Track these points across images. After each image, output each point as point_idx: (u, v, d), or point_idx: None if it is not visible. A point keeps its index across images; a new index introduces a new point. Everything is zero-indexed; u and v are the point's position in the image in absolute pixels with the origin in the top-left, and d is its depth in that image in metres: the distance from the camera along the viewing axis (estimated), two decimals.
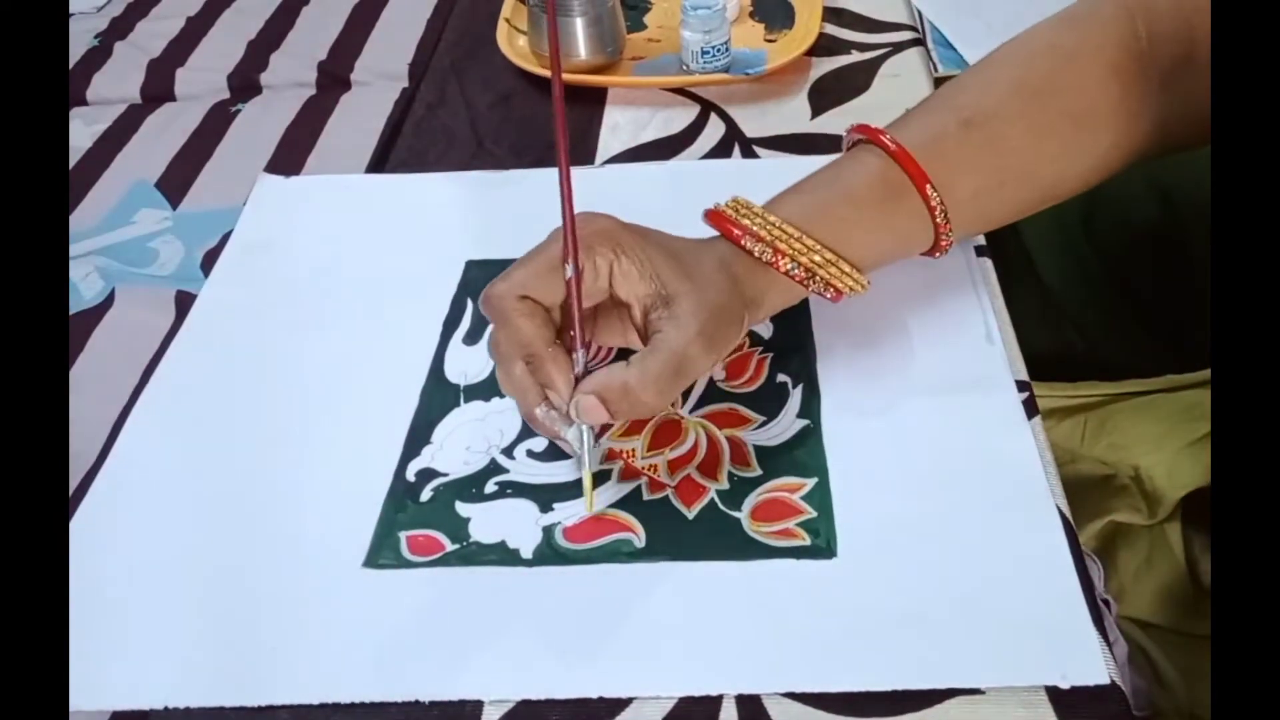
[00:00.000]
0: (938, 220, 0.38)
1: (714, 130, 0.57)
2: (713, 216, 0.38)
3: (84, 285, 0.51)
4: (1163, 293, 0.58)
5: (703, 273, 0.36)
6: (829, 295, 0.38)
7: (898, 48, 0.62)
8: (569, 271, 0.35)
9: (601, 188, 0.53)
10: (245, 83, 0.66)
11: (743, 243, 0.37)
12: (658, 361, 0.34)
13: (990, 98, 0.40)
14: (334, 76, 0.65)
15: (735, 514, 0.37)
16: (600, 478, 0.38)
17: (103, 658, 0.34)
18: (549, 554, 0.36)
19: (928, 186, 0.38)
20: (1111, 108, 0.40)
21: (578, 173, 0.54)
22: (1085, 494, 0.51)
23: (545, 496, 0.38)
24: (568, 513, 0.37)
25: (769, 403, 0.41)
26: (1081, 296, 0.59)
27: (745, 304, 0.36)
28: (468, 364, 0.44)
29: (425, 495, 0.38)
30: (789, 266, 0.37)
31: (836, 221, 0.38)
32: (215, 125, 0.62)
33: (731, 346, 0.36)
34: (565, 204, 0.35)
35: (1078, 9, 0.42)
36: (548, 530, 0.37)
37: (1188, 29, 0.38)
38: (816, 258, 0.37)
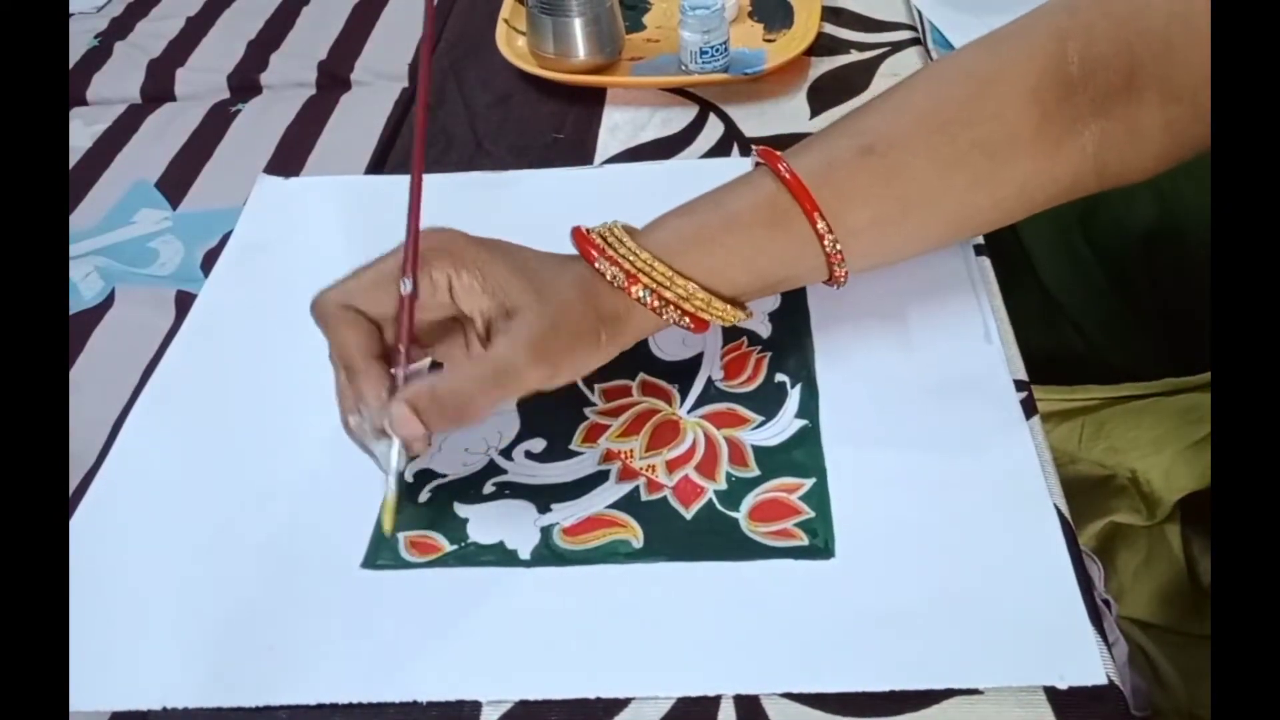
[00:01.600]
0: (828, 250, 0.37)
1: (713, 130, 0.57)
2: (576, 235, 0.37)
3: (84, 285, 0.51)
4: (1162, 295, 0.58)
5: (553, 287, 0.35)
6: (688, 325, 0.37)
7: (897, 47, 0.62)
8: (405, 287, 0.34)
9: (600, 188, 0.53)
10: (245, 83, 0.66)
11: (596, 265, 0.36)
12: (473, 369, 0.33)
13: (896, 126, 0.38)
14: (334, 76, 0.65)
15: (733, 514, 0.37)
16: (598, 479, 0.38)
17: (102, 658, 0.34)
18: (547, 555, 0.36)
19: (816, 214, 0.36)
20: (1029, 137, 0.37)
21: (578, 172, 0.55)
22: (1084, 494, 0.51)
23: (543, 497, 0.38)
24: (566, 513, 0.37)
25: (767, 402, 0.41)
26: (1080, 298, 0.59)
27: (602, 321, 0.35)
28: None
29: (423, 496, 0.38)
30: (641, 294, 0.35)
31: (712, 248, 0.36)
32: (215, 125, 0.62)
33: (578, 363, 0.35)
34: (412, 217, 0.34)
35: (1003, 31, 0.39)
36: (546, 531, 0.37)
37: (1129, 54, 0.36)
38: (677, 291, 0.36)
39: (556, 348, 0.34)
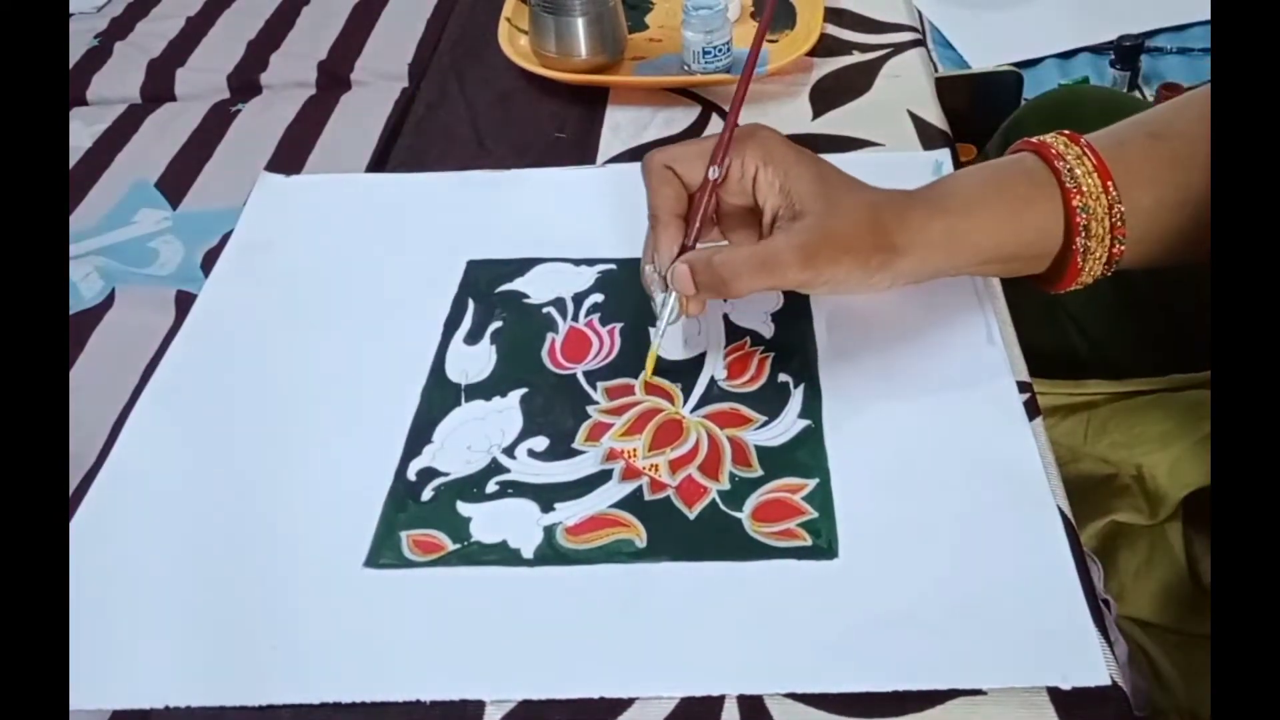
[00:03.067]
0: (1115, 221, 0.38)
1: (715, 130, 0.57)
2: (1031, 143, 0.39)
3: (84, 285, 0.51)
4: (1166, 293, 0.57)
5: (842, 204, 0.37)
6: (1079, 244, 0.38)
7: (899, 48, 0.62)
8: (713, 173, 0.38)
9: (602, 187, 0.53)
10: (245, 83, 0.66)
11: (1055, 163, 0.38)
12: (746, 251, 0.37)
13: (1181, 116, 0.40)
14: (334, 76, 0.65)
15: (736, 514, 0.37)
16: (601, 478, 0.38)
17: (103, 657, 0.34)
18: (550, 554, 0.36)
19: (1109, 183, 0.37)
20: None
21: (580, 172, 0.54)
22: (1087, 494, 0.51)
23: (546, 496, 0.38)
24: (569, 513, 0.37)
25: (770, 403, 0.41)
26: (1083, 297, 0.59)
27: (878, 249, 0.37)
28: (469, 363, 0.44)
29: (426, 495, 0.38)
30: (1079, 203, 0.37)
31: (972, 208, 0.38)
32: (215, 125, 0.62)
33: (840, 277, 0.37)
34: (731, 113, 0.39)
35: None
36: (549, 530, 0.37)
37: None
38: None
39: (823, 257, 0.36)
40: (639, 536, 0.36)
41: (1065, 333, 0.60)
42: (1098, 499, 0.51)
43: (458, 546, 0.36)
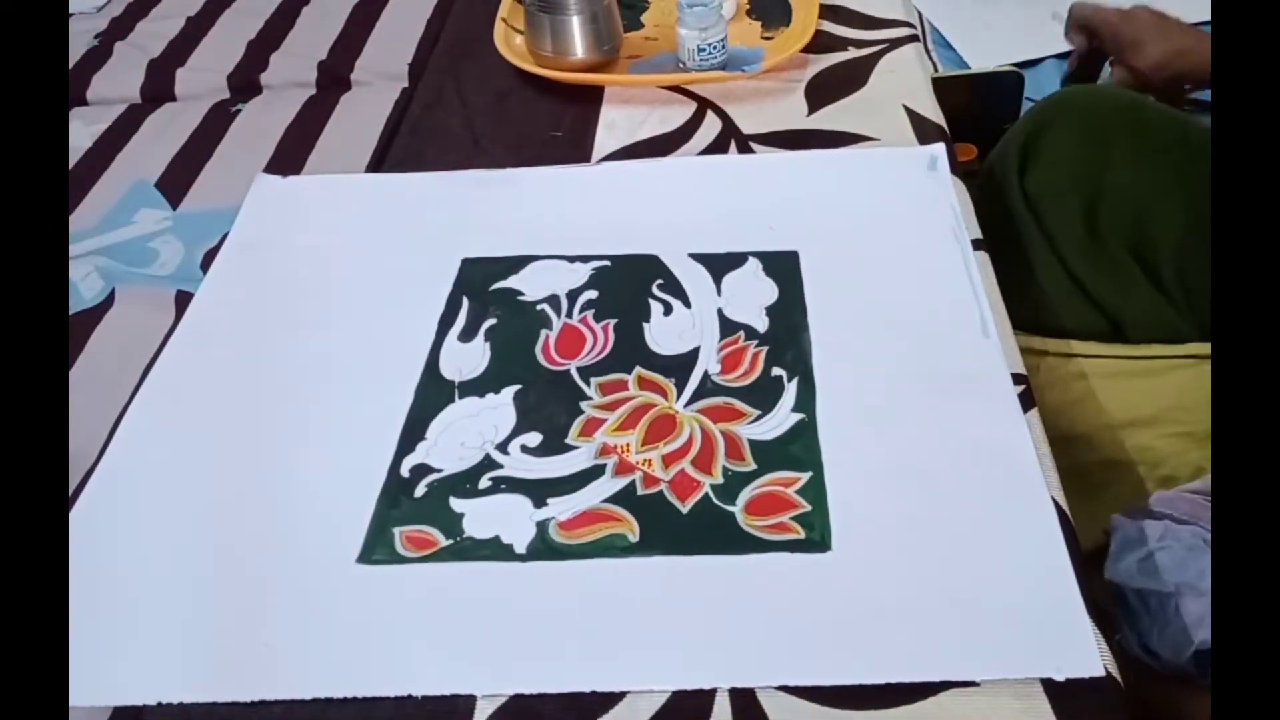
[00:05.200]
0: None
1: (710, 127, 0.57)
2: None
3: (84, 285, 0.51)
4: (1197, 300, 0.57)
5: None
6: None
7: (894, 44, 0.62)
8: None
9: (597, 185, 0.53)
10: (245, 83, 0.66)
11: None
12: None
13: None
14: (334, 76, 0.66)
15: (729, 508, 0.37)
16: (594, 473, 0.38)
17: (97, 654, 0.34)
18: (543, 549, 0.36)
19: None
20: None
21: (575, 170, 0.55)
22: (1091, 496, 0.51)
23: (539, 492, 0.38)
24: (562, 508, 0.37)
25: (764, 397, 0.41)
26: (1109, 286, 0.58)
27: None
28: (463, 360, 0.44)
29: (419, 491, 0.38)
30: None
31: None
32: (215, 125, 0.62)
33: None
34: None
35: None
36: (542, 525, 0.37)
37: None
38: None
39: None
40: (632, 531, 0.36)
41: (1089, 318, 0.58)
42: (1100, 500, 0.51)
43: (450, 542, 0.37)
